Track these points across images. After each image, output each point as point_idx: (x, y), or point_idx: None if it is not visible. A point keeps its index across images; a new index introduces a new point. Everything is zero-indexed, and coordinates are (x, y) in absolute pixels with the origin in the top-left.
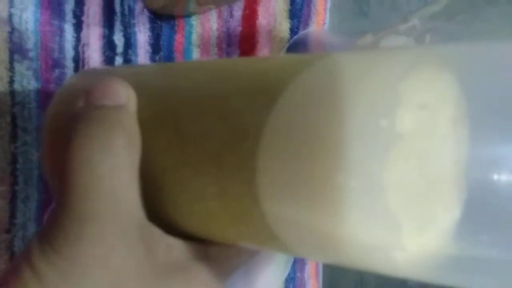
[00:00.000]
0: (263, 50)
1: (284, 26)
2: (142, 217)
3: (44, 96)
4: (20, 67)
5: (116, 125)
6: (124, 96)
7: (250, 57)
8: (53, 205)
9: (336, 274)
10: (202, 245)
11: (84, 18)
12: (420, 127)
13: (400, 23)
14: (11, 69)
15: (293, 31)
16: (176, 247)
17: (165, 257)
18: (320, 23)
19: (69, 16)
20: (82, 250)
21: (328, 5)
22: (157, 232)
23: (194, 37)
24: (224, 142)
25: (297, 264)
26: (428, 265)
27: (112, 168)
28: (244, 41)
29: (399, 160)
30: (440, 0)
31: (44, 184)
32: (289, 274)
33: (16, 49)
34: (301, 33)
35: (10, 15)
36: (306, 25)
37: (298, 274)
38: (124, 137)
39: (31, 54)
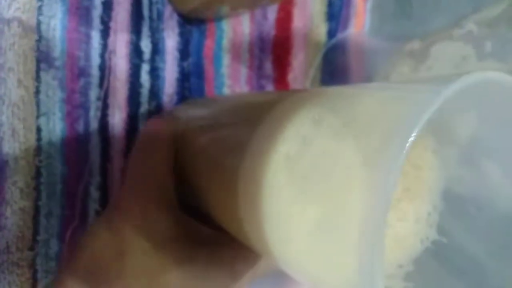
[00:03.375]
0: (298, 55)
1: (321, 29)
2: (174, 199)
3: (68, 107)
4: (46, 77)
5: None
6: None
7: (251, 93)
8: (75, 223)
9: None
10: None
11: (111, 24)
12: (307, 145)
13: (453, 28)
14: (37, 78)
15: (331, 34)
16: (203, 230)
17: (191, 233)
18: (360, 25)
19: (96, 22)
20: (125, 202)
21: (368, 6)
22: (185, 217)
23: (225, 42)
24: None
25: None
26: None
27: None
28: (278, 46)
29: (288, 183)
30: (498, 3)
31: (67, 200)
32: None
33: (43, 58)
34: (340, 36)
35: (38, 23)
36: (345, 28)
37: None
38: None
39: (57, 63)
